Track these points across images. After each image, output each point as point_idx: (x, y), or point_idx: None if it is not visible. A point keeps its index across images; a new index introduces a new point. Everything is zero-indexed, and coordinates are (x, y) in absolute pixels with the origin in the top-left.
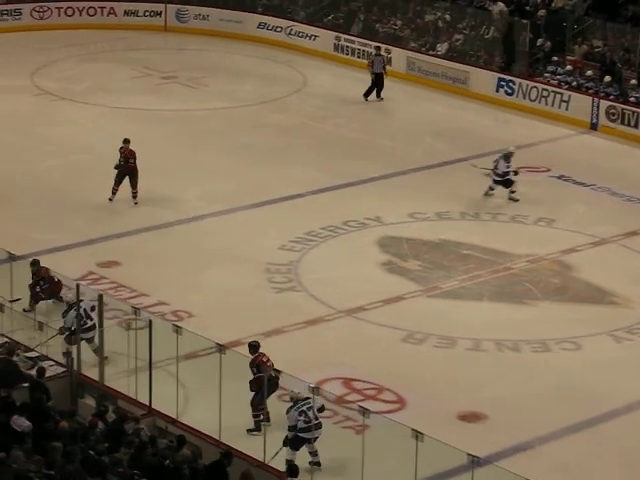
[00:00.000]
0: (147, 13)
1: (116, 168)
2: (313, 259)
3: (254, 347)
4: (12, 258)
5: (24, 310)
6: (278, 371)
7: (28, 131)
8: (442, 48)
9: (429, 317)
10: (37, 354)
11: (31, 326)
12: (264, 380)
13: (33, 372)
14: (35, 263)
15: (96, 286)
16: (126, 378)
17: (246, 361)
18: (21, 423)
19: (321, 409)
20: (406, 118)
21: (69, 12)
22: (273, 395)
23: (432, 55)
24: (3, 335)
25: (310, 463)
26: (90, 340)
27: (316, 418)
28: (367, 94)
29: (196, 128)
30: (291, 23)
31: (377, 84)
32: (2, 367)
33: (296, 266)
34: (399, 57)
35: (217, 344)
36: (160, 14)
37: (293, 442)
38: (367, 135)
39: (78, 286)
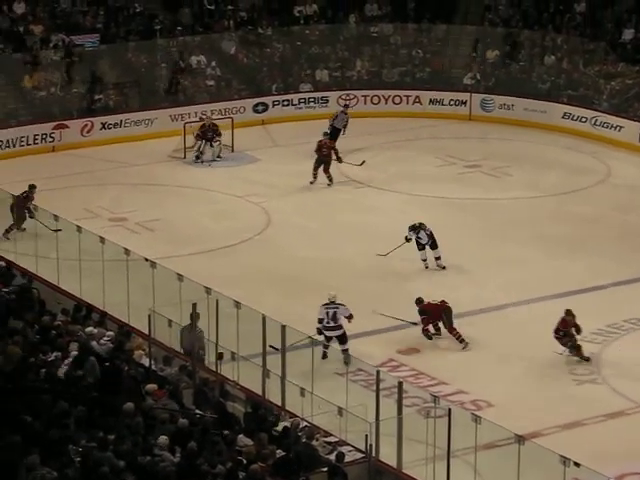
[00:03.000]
0: (452, 102)
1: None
2: (615, 352)
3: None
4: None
5: None
6: None
7: (333, 218)
8: None
9: None
10: (336, 439)
11: (331, 411)
12: None
13: (332, 457)
14: None
15: (396, 373)
16: (424, 466)
17: (546, 453)
18: None
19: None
20: None
21: (375, 100)
22: None
23: None
24: (304, 419)
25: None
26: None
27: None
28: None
29: (498, 217)
30: (596, 113)
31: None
32: (302, 450)
33: (597, 358)
34: None
35: (516, 435)
36: (465, 103)
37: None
38: None
39: (378, 373)
